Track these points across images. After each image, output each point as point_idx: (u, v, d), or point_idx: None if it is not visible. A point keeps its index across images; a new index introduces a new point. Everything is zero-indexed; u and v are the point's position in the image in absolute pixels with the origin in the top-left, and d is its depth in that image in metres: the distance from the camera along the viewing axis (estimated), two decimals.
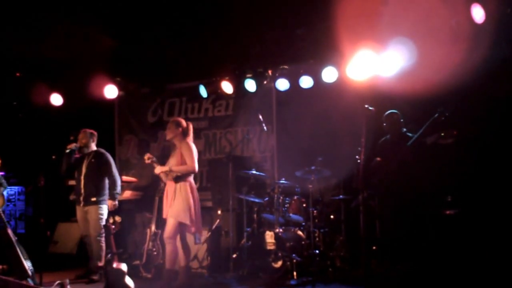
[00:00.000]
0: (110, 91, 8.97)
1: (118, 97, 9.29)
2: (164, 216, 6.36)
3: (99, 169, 7.06)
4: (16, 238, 6.41)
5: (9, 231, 6.37)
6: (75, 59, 8.38)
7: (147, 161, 6.43)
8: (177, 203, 6.16)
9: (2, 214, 6.41)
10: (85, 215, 7.03)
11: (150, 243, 7.44)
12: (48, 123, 9.12)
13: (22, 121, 9.61)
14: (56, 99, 9.12)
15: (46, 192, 6.36)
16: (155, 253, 7.38)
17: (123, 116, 9.96)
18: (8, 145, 8.51)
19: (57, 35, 7.92)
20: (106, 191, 7.08)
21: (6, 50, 8.18)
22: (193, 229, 6.29)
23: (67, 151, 6.96)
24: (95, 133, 7.29)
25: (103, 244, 6.90)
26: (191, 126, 6.47)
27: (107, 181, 7.11)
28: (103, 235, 6.87)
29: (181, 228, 6.24)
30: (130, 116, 9.91)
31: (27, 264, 6.33)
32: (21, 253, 6.38)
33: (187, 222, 6.14)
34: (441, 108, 5.71)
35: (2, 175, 7.63)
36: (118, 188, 7.11)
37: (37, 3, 7.25)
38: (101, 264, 6.86)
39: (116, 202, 7.08)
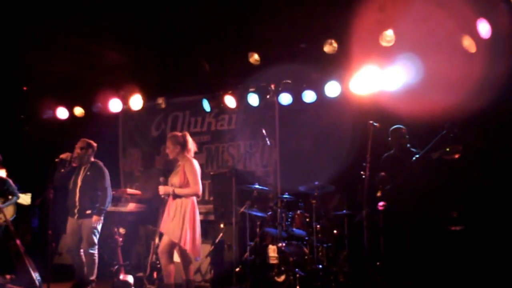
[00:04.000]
0: (115, 105, 9.06)
1: (123, 110, 9.36)
2: (160, 229, 6.28)
3: (94, 182, 6.87)
4: (24, 248, 6.45)
5: (18, 242, 6.40)
6: (81, 73, 8.47)
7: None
8: (175, 222, 6.00)
9: (11, 224, 6.46)
10: (78, 228, 6.80)
11: (154, 256, 7.46)
12: (53, 136, 9.19)
13: (29, 134, 9.69)
14: (62, 113, 9.23)
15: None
16: (158, 265, 7.40)
17: (127, 130, 10.05)
18: (14, 157, 8.55)
19: (63, 50, 8.00)
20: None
21: (14, 64, 8.28)
22: (188, 250, 6.06)
23: (57, 160, 6.73)
24: (95, 144, 7.05)
25: (96, 258, 6.76)
26: (188, 137, 6.32)
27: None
28: (96, 248, 6.76)
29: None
30: (134, 129, 9.99)
31: (35, 275, 6.35)
32: (29, 263, 6.40)
33: (179, 242, 5.95)
34: (449, 123, 5.69)
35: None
36: (106, 205, 6.85)
37: (43, 18, 7.33)
38: (93, 278, 6.72)
39: (102, 218, 6.81)
